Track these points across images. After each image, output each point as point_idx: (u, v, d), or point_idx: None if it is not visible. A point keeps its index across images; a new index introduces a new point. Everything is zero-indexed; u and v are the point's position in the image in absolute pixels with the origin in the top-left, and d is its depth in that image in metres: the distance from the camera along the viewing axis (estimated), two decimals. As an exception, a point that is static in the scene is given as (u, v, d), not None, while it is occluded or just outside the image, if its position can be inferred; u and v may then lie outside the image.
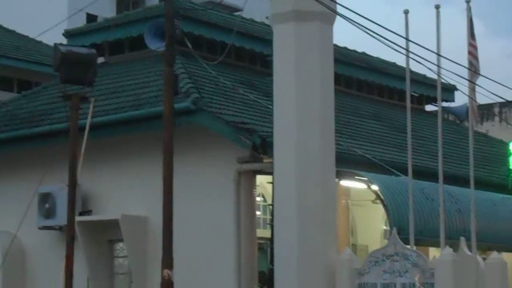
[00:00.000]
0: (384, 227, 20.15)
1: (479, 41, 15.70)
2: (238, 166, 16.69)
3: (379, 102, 24.45)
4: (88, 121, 13.72)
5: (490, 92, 15.77)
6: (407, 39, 14.80)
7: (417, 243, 15.71)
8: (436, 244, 15.32)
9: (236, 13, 24.98)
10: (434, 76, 15.80)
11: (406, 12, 15.45)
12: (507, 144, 23.07)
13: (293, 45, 15.14)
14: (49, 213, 18.32)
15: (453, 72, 14.91)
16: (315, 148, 14.94)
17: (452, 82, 20.95)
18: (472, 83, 14.77)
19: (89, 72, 10.92)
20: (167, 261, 10.22)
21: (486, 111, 32.02)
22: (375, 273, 14.41)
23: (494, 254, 15.26)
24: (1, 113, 21.10)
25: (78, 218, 17.59)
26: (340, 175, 16.59)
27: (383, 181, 16.81)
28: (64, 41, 21.99)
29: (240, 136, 16.23)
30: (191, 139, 17.32)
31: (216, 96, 18.00)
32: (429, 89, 24.70)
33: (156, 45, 18.21)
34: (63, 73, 12.71)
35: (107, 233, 18.16)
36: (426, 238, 16.28)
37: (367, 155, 17.92)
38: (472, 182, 15.37)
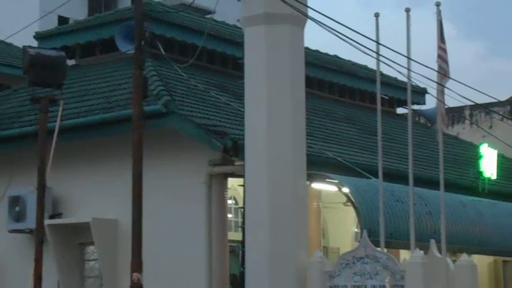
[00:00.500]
0: (356, 230, 20.22)
1: (451, 44, 15.84)
2: (210, 168, 16.68)
3: (350, 105, 24.55)
4: (57, 124, 13.62)
5: (460, 95, 15.88)
6: (377, 42, 14.86)
7: (388, 245, 15.78)
8: (407, 247, 15.39)
9: (208, 16, 24.96)
10: (405, 79, 15.88)
11: (376, 15, 15.51)
12: (477, 147, 23.22)
13: (264, 47, 15.16)
14: (19, 216, 18.20)
15: (423, 75, 15.00)
16: (286, 151, 14.96)
17: (423, 85, 21.10)
18: (441, 85, 14.86)
19: (58, 74, 10.87)
20: (136, 265, 10.19)
21: (457, 114, 32.22)
22: (346, 275, 14.44)
23: (463, 257, 15.35)
24: (-29, 116, 20.96)
25: (48, 221, 17.50)
26: (311, 177, 16.63)
27: (354, 184, 16.87)
28: (36, 43, 21.88)
29: (212, 138, 16.22)
30: (163, 142, 17.29)
31: (188, 98, 17.98)
32: (400, 92, 24.83)
33: (126, 47, 18.16)
34: (32, 76, 12.63)
35: (78, 236, 18.08)
36: (397, 240, 16.35)
37: (338, 158, 17.97)
38: (442, 184, 15.45)
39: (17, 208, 18.20)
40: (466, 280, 14.79)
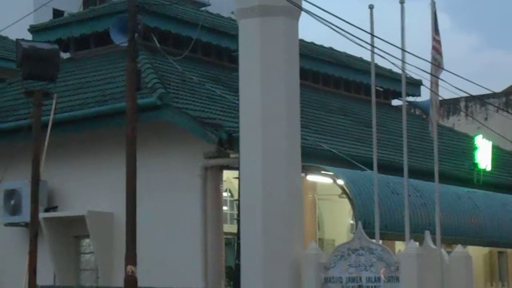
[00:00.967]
0: (351, 221, 20.24)
1: (446, 36, 15.85)
2: (205, 161, 16.70)
3: (345, 97, 24.56)
4: (50, 117, 13.64)
5: (455, 87, 15.87)
6: (372, 34, 14.85)
7: (383, 237, 15.81)
8: (401, 238, 15.41)
9: (203, 8, 24.94)
10: (400, 71, 15.89)
11: (371, 7, 15.51)
12: (472, 138, 23.24)
13: (258, 39, 15.15)
14: (14, 210, 18.21)
15: (417, 67, 15.00)
16: (281, 143, 14.96)
17: (418, 77, 21.08)
18: (435, 77, 14.86)
19: (52, 67, 10.86)
20: (131, 257, 10.21)
21: (452, 106, 32.25)
22: (341, 267, 14.46)
23: (458, 248, 15.37)
24: (-34, 109, 20.94)
25: (43, 215, 17.52)
26: (306, 170, 16.65)
27: (349, 176, 16.89)
28: (30, 36, 21.85)
29: (207, 131, 16.23)
30: (158, 135, 17.29)
31: (183, 91, 17.98)
32: (395, 83, 24.85)
33: (120, 40, 18.12)
34: (25, 69, 12.60)
35: (73, 229, 18.10)
36: (391, 232, 16.38)
37: (333, 150, 17.99)
38: (436, 176, 15.47)
39: (12, 202, 18.21)
40: (461, 271, 14.81)
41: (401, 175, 15.65)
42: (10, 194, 18.29)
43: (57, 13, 34.32)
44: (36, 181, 10.72)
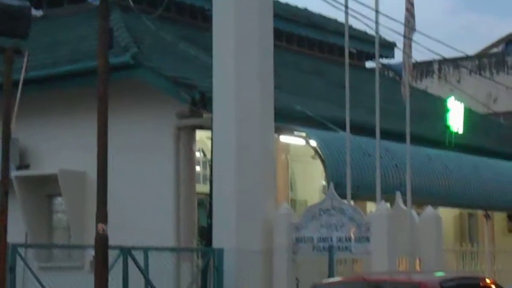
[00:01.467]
0: (323, 182, 20.34)
1: (420, -1, 15.82)
2: (178, 121, 16.68)
3: (319, 58, 24.55)
4: (22, 74, 13.49)
5: (429, 49, 15.95)
6: (346, -5, 14.84)
7: (354, 198, 15.94)
8: (373, 199, 15.55)
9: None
10: (374, 33, 15.90)
11: (345, -32, 15.46)
12: (444, 101, 23.36)
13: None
14: (-14, 168, 18.10)
15: (391, 29, 15.04)
16: (254, 104, 14.99)
17: (392, 39, 21.06)
18: (408, 39, 14.90)
19: (23, 25, 10.75)
20: (102, 216, 10.23)
21: (425, 68, 32.35)
22: (312, 227, 14.59)
23: (429, 209, 15.55)
24: None
25: (15, 173, 17.46)
26: (279, 130, 16.70)
27: (321, 137, 16.96)
28: (2, -7, 21.54)
29: (180, 91, 16.20)
30: (130, 94, 17.23)
31: (156, 50, 17.88)
32: (369, 45, 24.84)
33: (93, -2, 18.01)
34: (-4, 26, 12.44)
35: (45, 187, 18.06)
36: (363, 193, 16.51)
37: (306, 111, 18.02)
38: (408, 137, 15.57)
39: (-16, 160, 18.10)
40: (430, 231, 15.00)
41: (374, 136, 15.75)
42: (-18, 152, 18.18)
43: (29, -30, 33.85)
44: (6, 138, 10.66)
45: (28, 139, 18.25)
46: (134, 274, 12.89)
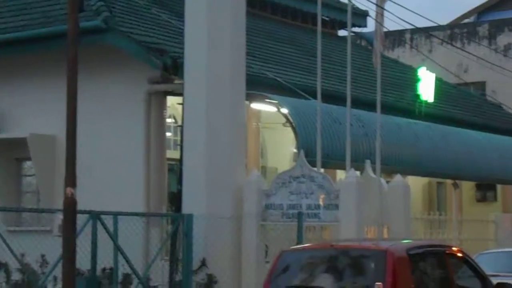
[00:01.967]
0: (294, 150, 20.42)
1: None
2: (149, 86, 16.63)
3: (292, 26, 24.50)
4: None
5: (401, 19, 15.99)
6: (319, -37, 14.82)
7: (324, 165, 16.02)
8: (342, 167, 15.64)
9: None
10: (347, 1, 15.90)
11: None
12: (416, 70, 23.45)
13: (204, -35, 15.00)
14: (-46, 131, 18.00)
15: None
16: (226, 71, 14.96)
17: (365, 8, 21.05)
18: (380, 8, 14.92)
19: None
20: (70, 180, 10.22)
21: (397, 38, 32.41)
22: (282, 194, 14.65)
23: (397, 177, 15.67)
24: None
25: (-16, 137, 17.36)
26: (250, 97, 16.70)
27: (292, 104, 16.99)
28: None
29: (151, 56, 16.14)
30: (102, 59, 17.13)
31: (128, 15, 17.78)
32: (342, 14, 24.81)
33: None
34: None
35: (15, 151, 17.98)
36: (333, 160, 16.60)
37: (278, 78, 18.03)
38: (378, 106, 15.65)
39: (-48, 123, 17.99)
40: (398, 199, 15.15)
41: (344, 105, 15.80)
42: (-50, 115, 18.05)
43: None
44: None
45: (-2, 103, 18.13)
46: (103, 239, 12.91)
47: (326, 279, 9.77)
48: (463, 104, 25.65)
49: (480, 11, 35.66)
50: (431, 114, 22.02)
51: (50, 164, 17.34)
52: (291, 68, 20.11)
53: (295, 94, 17.75)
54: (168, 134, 17.65)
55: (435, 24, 27.69)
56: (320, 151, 15.34)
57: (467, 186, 24.96)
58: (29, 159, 17.68)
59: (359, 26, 26.18)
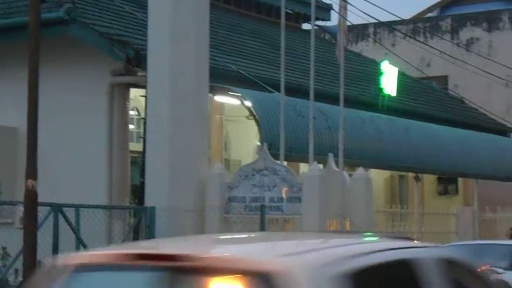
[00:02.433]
0: (257, 143, 20.45)
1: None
2: (112, 78, 16.55)
3: (256, 19, 24.49)
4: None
5: (364, 13, 16.05)
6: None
7: (287, 158, 16.06)
8: (305, 160, 15.70)
9: None
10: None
11: None
12: (378, 64, 23.56)
13: (168, -43, 14.95)
14: None
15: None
16: (189, 63, 14.93)
17: (328, 1, 21.08)
18: (344, 1, 14.98)
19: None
20: (31, 172, 10.16)
21: (361, 31, 32.55)
22: (245, 187, 14.66)
23: (360, 170, 15.75)
24: None
25: None
26: (214, 90, 16.69)
27: (256, 97, 17.01)
28: None
29: (114, 48, 16.05)
30: (64, 51, 17.01)
31: (91, 6, 17.66)
32: (306, 7, 24.86)
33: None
34: None
35: (-24, 143, 17.80)
36: (296, 154, 16.65)
37: (241, 71, 18.04)
38: (342, 100, 15.71)
39: None
40: (360, 192, 15.22)
41: (308, 98, 15.85)
42: None
43: None
44: None
45: (-41, 94, 17.93)
46: (65, 232, 12.84)
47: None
48: (425, 98, 25.83)
49: (443, 6, 35.91)
50: (393, 108, 22.14)
51: (11, 156, 17.20)
52: (254, 61, 20.12)
53: (259, 87, 17.76)
54: (131, 126, 17.59)
55: (398, 18, 27.88)
56: (283, 144, 15.38)
57: (429, 180, 25.16)
58: (-10, 151, 17.52)
59: (323, 20, 26.24)
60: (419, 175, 22.31)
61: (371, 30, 32.43)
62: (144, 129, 15.66)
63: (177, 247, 4.55)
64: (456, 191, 26.18)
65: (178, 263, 4.03)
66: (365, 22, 26.21)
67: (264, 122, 16.50)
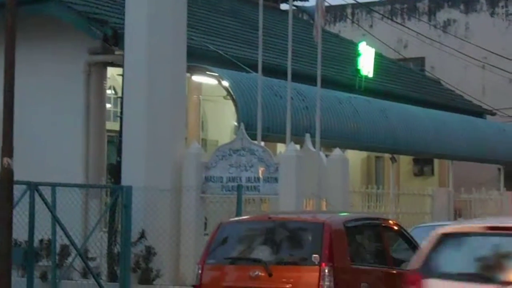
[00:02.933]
0: (234, 123, 20.46)
1: None
2: (89, 57, 16.51)
3: (235, -1, 24.46)
4: None
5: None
6: None
7: (264, 138, 16.09)
8: (282, 140, 15.73)
9: None
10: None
11: None
12: (356, 45, 23.62)
13: None
14: None
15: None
16: (167, 42, 14.88)
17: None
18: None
19: None
20: (7, 150, 10.12)
21: (339, 12, 32.57)
22: (222, 167, 14.67)
23: (336, 151, 15.82)
24: None
25: None
26: (191, 70, 16.67)
27: (233, 77, 17.01)
28: None
29: (92, 27, 16.00)
30: (41, 29, 16.94)
31: (68, -16, 17.55)
32: (284, -13, 24.87)
33: None
34: None
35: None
36: (273, 134, 16.69)
37: (219, 51, 18.02)
38: (319, 80, 15.74)
39: None
40: (337, 173, 15.29)
41: (285, 78, 15.87)
42: None
43: None
44: None
45: None
46: (41, 210, 12.82)
47: (263, 251, 9.87)
48: (402, 79, 25.93)
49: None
50: (370, 89, 22.23)
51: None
52: (232, 41, 20.10)
53: (236, 67, 17.77)
54: (108, 105, 17.55)
55: (376, 0, 27.92)
56: (260, 125, 15.40)
57: (405, 161, 25.31)
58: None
59: (301, 0, 26.26)
60: (395, 156, 22.43)
61: (349, 11, 32.45)
62: (121, 108, 15.63)
63: None
64: (432, 172, 26.36)
65: None
66: (343, 3, 26.25)
67: (242, 102, 16.51)
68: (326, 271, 9.38)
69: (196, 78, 17.58)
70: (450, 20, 31.85)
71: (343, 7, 31.79)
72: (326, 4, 16.03)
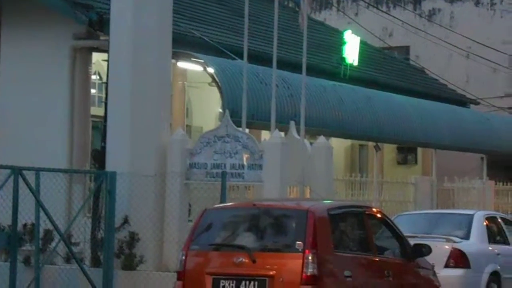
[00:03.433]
0: (219, 110, 20.45)
1: None
2: (74, 42, 16.47)
3: (221, -15, 24.40)
4: None
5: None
6: None
7: (249, 125, 16.12)
8: (267, 128, 15.76)
9: None
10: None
11: None
12: (341, 33, 23.64)
13: None
14: None
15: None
16: (152, 28, 14.84)
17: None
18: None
19: None
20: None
21: (324, 0, 32.56)
22: (206, 153, 14.66)
23: (321, 139, 15.85)
24: None
25: None
26: (177, 56, 16.66)
27: (219, 64, 17.01)
28: None
29: (77, 11, 15.96)
30: (26, 14, 16.86)
31: (53, -31, 17.48)
32: (270, -26, 24.81)
33: None
34: None
35: None
36: (258, 121, 16.72)
37: (205, 38, 18.01)
38: (304, 68, 15.76)
39: None
40: (321, 160, 15.31)
41: (270, 66, 15.88)
42: None
43: None
44: None
45: None
46: (25, 195, 12.80)
47: (248, 238, 9.90)
48: (387, 68, 25.99)
49: (406, -24, 35.98)
50: (355, 77, 22.28)
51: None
52: (218, 27, 20.08)
53: (222, 53, 17.76)
54: (92, 91, 17.52)
55: (362, -12, 27.92)
56: (245, 112, 15.41)
57: (389, 149, 25.40)
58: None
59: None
60: (379, 144, 22.51)
61: (334, -1, 32.45)
62: (106, 93, 15.58)
63: None
64: (415, 161, 26.49)
65: None
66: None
67: (227, 89, 16.52)
68: (310, 258, 9.42)
69: (181, 64, 17.56)
70: (435, 9, 31.91)
71: (329, -6, 31.80)
72: (312, -9, 16.03)
